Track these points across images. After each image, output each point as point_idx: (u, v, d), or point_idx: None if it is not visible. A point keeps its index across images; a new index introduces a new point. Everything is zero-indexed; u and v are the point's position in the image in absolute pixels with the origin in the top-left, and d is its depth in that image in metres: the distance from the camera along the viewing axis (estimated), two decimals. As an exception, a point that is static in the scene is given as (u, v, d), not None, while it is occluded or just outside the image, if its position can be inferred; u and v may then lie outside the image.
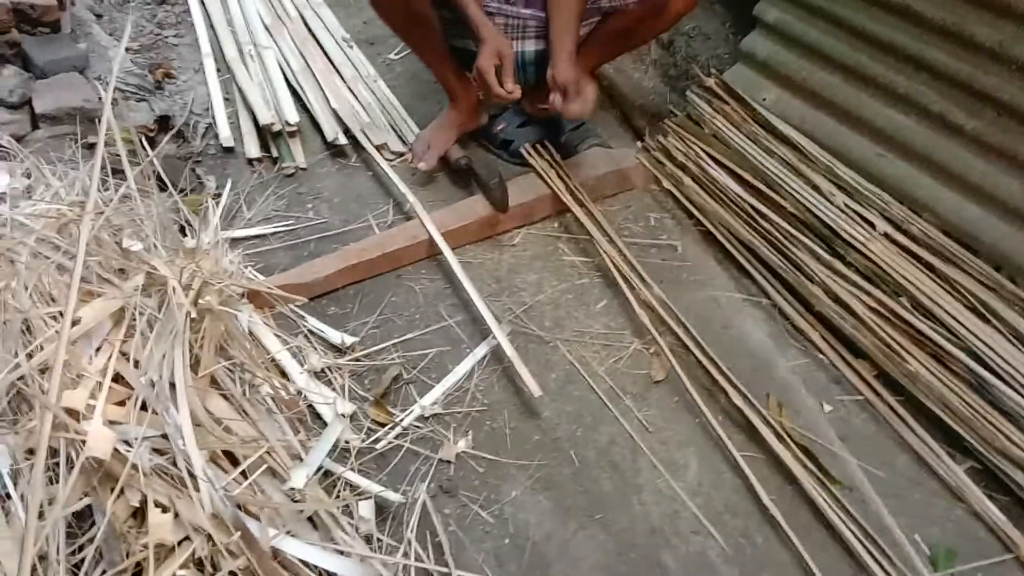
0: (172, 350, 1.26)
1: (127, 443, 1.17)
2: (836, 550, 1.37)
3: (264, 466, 1.30)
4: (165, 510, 1.16)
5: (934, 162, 1.76)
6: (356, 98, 2.30)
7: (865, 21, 1.83)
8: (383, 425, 1.52)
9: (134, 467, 1.15)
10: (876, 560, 1.33)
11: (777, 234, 1.80)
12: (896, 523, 1.41)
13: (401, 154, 2.16)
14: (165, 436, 1.21)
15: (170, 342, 1.27)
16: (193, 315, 1.32)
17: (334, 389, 1.57)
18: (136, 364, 1.28)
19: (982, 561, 1.37)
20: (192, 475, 1.16)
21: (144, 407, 1.22)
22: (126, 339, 1.32)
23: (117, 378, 1.29)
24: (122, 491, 1.15)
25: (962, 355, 1.53)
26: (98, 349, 1.29)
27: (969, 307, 1.61)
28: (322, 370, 1.61)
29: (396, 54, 2.54)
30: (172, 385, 1.25)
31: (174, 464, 1.20)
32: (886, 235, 1.73)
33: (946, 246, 1.70)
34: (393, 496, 1.37)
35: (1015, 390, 1.47)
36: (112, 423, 1.19)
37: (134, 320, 1.31)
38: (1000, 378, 1.49)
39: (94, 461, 1.11)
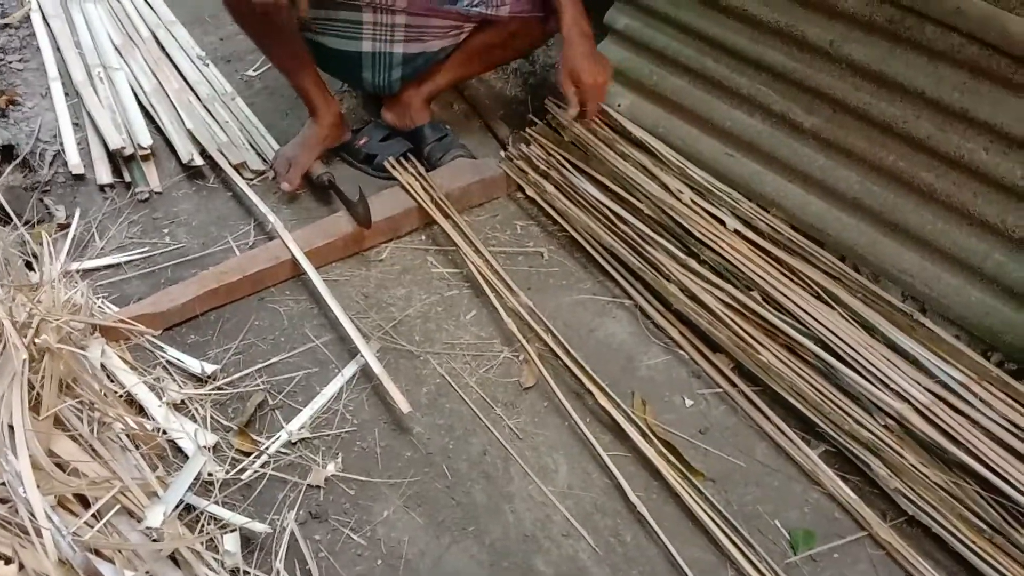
0: (10, 393, 1.21)
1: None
2: (702, 541, 1.42)
3: (117, 507, 1.25)
4: (8, 561, 1.11)
5: (778, 159, 1.83)
6: (213, 117, 2.24)
7: (707, 25, 1.89)
8: (248, 454, 1.49)
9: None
10: (739, 549, 1.38)
11: (635, 236, 1.85)
12: (758, 510, 1.47)
13: (261, 172, 2.12)
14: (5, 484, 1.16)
15: (7, 384, 1.21)
16: (32, 356, 1.26)
17: (195, 420, 1.52)
18: (-30, 410, 1.22)
19: (838, 541, 1.43)
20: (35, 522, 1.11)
21: (-19, 455, 1.16)
22: (-40, 384, 1.25)
23: (-50, 426, 1.22)
24: (-42, 546, 1.09)
25: (811, 344, 1.60)
26: (-74, 398, 1.22)
27: (816, 296, 1.69)
28: (182, 401, 1.56)
29: (255, 70, 2.48)
30: (12, 429, 1.19)
31: (17, 512, 1.14)
32: (736, 232, 1.80)
33: (794, 239, 1.78)
34: (259, 527, 1.34)
35: (860, 374, 1.54)
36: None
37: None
38: (847, 364, 1.56)
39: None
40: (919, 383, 1.53)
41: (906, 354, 1.59)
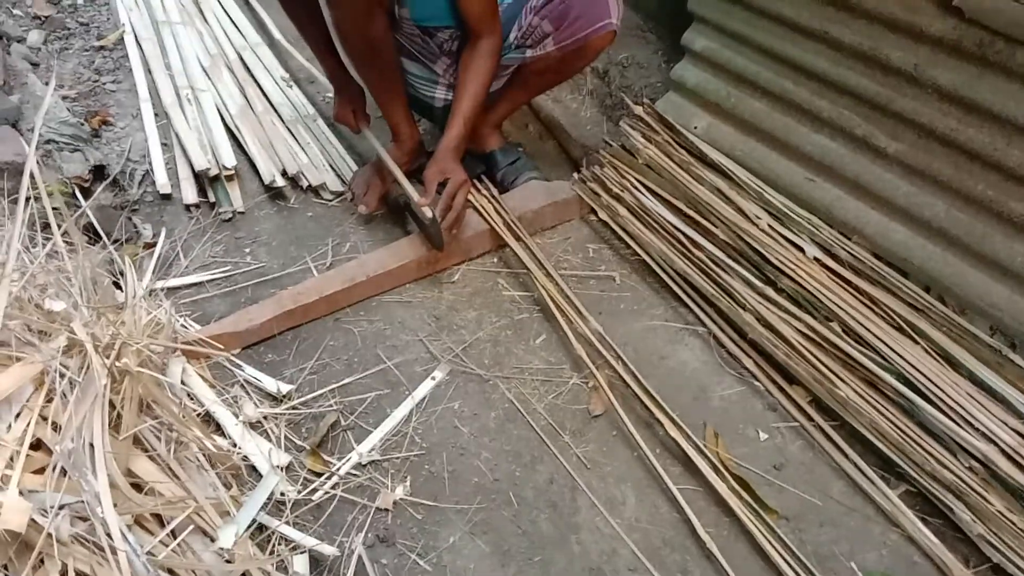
0: (91, 413, 1.25)
1: (45, 512, 1.16)
2: (772, 581, 1.38)
3: (191, 526, 1.29)
4: (87, 579, 1.15)
5: (860, 185, 1.78)
6: (295, 138, 2.30)
7: (787, 47, 1.86)
8: (320, 475, 1.51)
9: (52, 536, 1.13)
10: (812, 590, 1.34)
11: (710, 262, 1.82)
12: (833, 551, 1.42)
13: (340, 194, 2.16)
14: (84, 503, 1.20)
15: (89, 405, 1.26)
16: (114, 377, 1.31)
17: (270, 439, 1.56)
18: (57, 428, 1.27)
19: (917, 584, 1.38)
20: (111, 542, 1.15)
21: (65, 472, 1.20)
22: (48, 402, 1.31)
23: (38, 444, 1.28)
24: (41, 561, 1.14)
25: (892, 379, 1.55)
26: (18, 415, 1.27)
27: (898, 328, 1.63)
28: (258, 420, 1.59)
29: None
30: (93, 447, 1.24)
31: (94, 531, 1.18)
32: (816, 260, 1.75)
33: (876, 268, 1.73)
34: (328, 549, 1.36)
35: (944, 412, 1.49)
36: (30, 491, 1.18)
37: (56, 383, 1.30)
38: (929, 401, 1.51)
39: (8, 534, 1.09)
40: (1006, 424, 1.47)
41: (993, 392, 1.52)
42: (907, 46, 1.64)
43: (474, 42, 1.87)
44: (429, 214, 1.86)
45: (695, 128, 2.06)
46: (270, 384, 1.65)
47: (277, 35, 2.75)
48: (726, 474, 1.50)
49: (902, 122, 1.69)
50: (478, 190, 2.06)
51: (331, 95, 2.52)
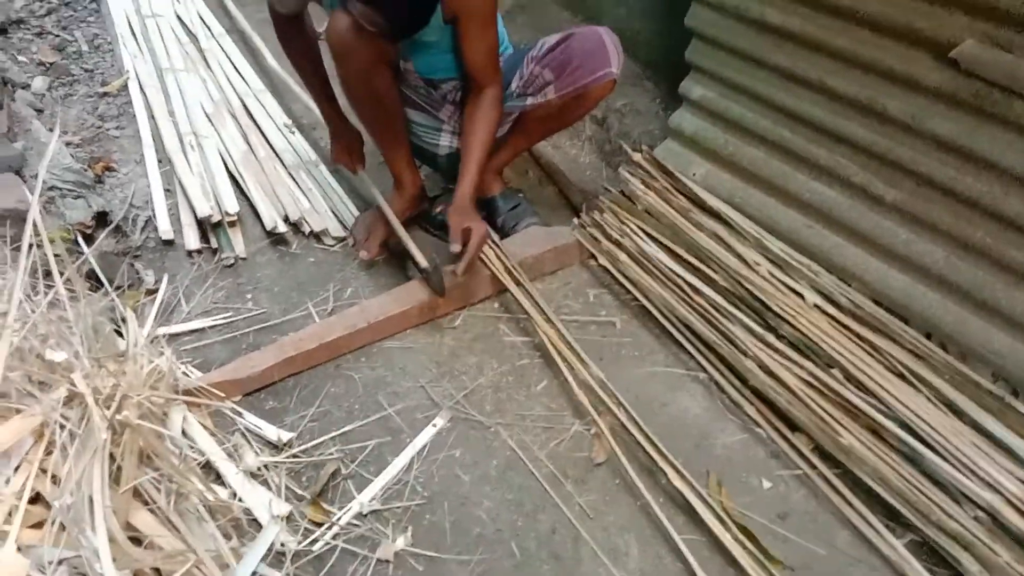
0: (91, 467, 1.24)
1: (43, 568, 1.15)
2: (778, 634, 1.37)
3: (192, 580, 1.27)
4: (84, 635, 1.13)
5: (859, 232, 1.79)
6: (297, 184, 2.32)
7: (784, 97, 1.88)
8: (320, 525, 1.50)
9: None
10: (818, 642, 1.32)
11: (711, 308, 1.82)
12: (838, 601, 1.41)
13: (342, 239, 2.17)
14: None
15: (89, 458, 1.25)
16: (115, 429, 1.30)
17: (270, 489, 1.55)
18: (56, 481, 1.26)
19: (924, 637, 1.37)
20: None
21: (63, 527, 1.19)
22: (47, 455, 1.30)
23: (37, 497, 1.27)
24: (38, 618, 1.12)
25: (894, 427, 1.54)
26: (17, 467, 1.27)
27: (900, 375, 1.63)
28: (259, 469, 1.58)
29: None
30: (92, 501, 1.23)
31: (94, 586, 1.17)
32: (816, 306, 1.76)
33: (876, 315, 1.73)
34: (328, 602, 1.35)
35: (947, 461, 1.48)
36: (28, 547, 1.17)
37: (56, 435, 1.30)
38: (932, 449, 1.50)
39: (6, 591, 1.08)
40: (1011, 473, 1.46)
41: (997, 440, 1.52)
42: (904, 96, 1.66)
43: (477, 93, 1.90)
44: (425, 263, 1.87)
45: (694, 175, 2.08)
46: (271, 432, 1.65)
47: (283, 74, 2.78)
48: (730, 524, 1.48)
49: (900, 170, 1.71)
50: (495, 242, 2.06)
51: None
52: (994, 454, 1.49)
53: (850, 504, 1.54)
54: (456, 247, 1.84)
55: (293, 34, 1.97)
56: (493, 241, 2.05)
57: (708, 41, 2.04)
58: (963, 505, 1.45)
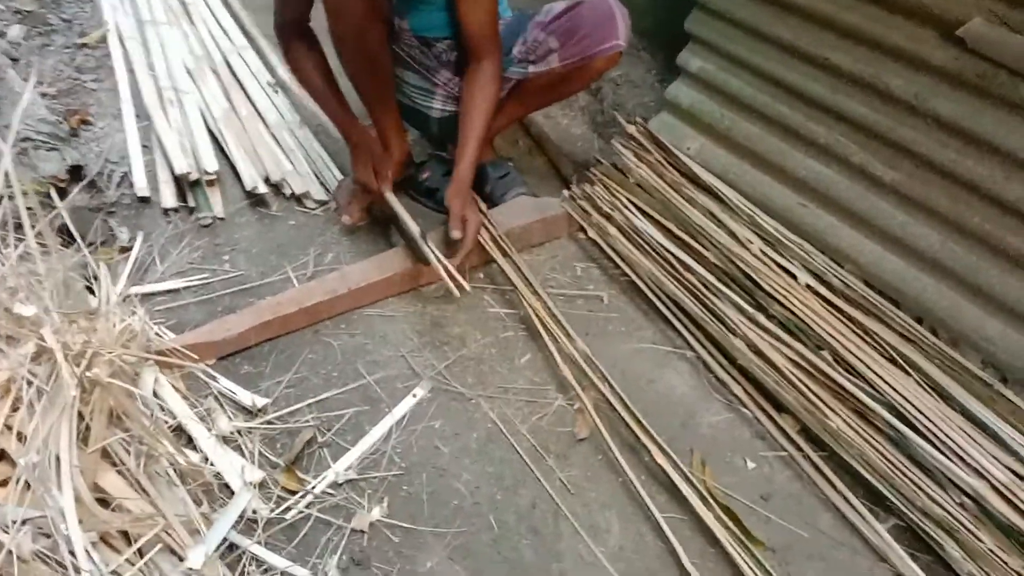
0: (59, 425, 1.19)
1: (7, 528, 1.10)
2: (759, 615, 1.34)
3: (160, 544, 1.23)
4: (47, 599, 1.09)
5: (855, 213, 1.76)
6: (279, 145, 2.25)
7: (785, 72, 1.84)
8: (294, 493, 1.46)
9: (12, 553, 1.08)
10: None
11: (700, 285, 1.79)
12: (819, 585, 1.39)
13: (324, 203, 2.12)
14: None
15: (57, 416, 1.20)
16: (84, 387, 1.25)
17: (243, 455, 1.50)
18: (22, 438, 1.21)
19: (905, 622, 1.35)
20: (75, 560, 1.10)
21: (28, 486, 1.15)
22: (13, 411, 1.25)
23: (2, 455, 1.22)
24: (-1, 580, 1.08)
25: (882, 410, 1.52)
26: (-21, 424, 1.22)
27: (889, 359, 1.61)
28: (232, 434, 1.54)
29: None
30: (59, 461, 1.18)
31: (58, 548, 1.13)
32: (808, 287, 1.73)
33: (868, 297, 1.71)
34: (301, 572, 1.31)
35: (935, 446, 1.46)
36: (-10, 506, 1.12)
37: (23, 391, 1.24)
38: (920, 434, 1.48)
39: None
40: (998, 460, 1.44)
41: (985, 427, 1.50)
42: (908, 75, 1.62)
43: (475, 66, 1.84)
44: (416, 229, 1.82)
45: (688, 149, 2.04)
46: (245, 397, 1.60)
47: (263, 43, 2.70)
48: (713, 503, 1.46)
49: (900, 151, 1.68)
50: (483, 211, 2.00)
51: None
52: (982, 440, 1.47)
53: (834, 487, 1.51)
54: (456, 233, 1.79)
55: (303, 52, 1.89)
56: (480, 210, 2.00)
57: (709, 12, 1.99)
58: (949, 491, 1.43)
